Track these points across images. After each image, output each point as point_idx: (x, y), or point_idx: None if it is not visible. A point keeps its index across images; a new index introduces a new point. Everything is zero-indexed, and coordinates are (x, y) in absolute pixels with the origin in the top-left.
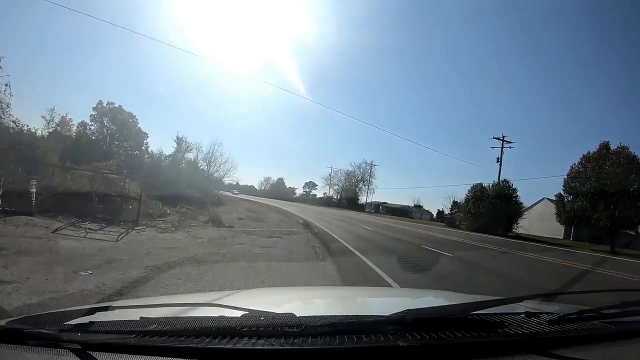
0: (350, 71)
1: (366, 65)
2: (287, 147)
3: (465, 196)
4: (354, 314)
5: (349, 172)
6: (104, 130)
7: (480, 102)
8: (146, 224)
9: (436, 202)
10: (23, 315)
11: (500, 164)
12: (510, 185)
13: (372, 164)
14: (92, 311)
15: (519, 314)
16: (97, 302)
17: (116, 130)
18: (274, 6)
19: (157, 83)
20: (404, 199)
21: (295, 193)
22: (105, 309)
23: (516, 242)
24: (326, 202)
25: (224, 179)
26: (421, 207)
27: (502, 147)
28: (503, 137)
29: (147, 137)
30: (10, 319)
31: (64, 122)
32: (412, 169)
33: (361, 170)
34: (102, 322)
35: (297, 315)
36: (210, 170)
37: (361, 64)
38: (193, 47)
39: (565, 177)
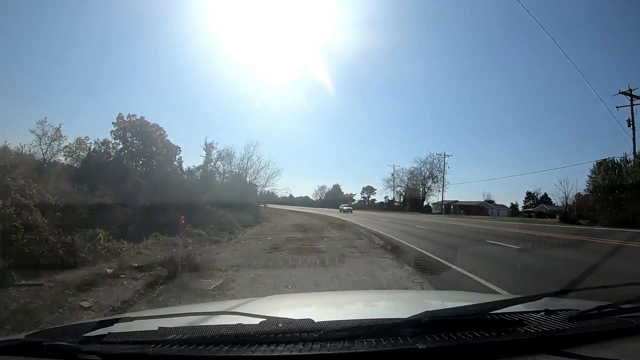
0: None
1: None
2: (341, 154)
3: (589, 179)
4: (372, 318)
5: (413, 169)
6: (129, 147)
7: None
8: None
9: (506, 196)
10: (42, 328)
11: (633, 127)
12: None
13: (444, 154)
14: (110, 322)
15: (538, 311)
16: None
17: (140, 145)
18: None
19: (195, 97)
20: (472, 195)
21: (354, 200)
22: (124, 320)
23: None
24: (388, 206)
25: (272, 189)
26: (493, 202)
27: (632, 105)
28: (631, 90)
29: (180, 151)
30: (29, 332)
31: (78, 141)
32: (479, 162)
33: (428, 166)
34: (120, 332)
35: (315, 321)
36: (248, 179)
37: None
38: (230, 59)
39: None
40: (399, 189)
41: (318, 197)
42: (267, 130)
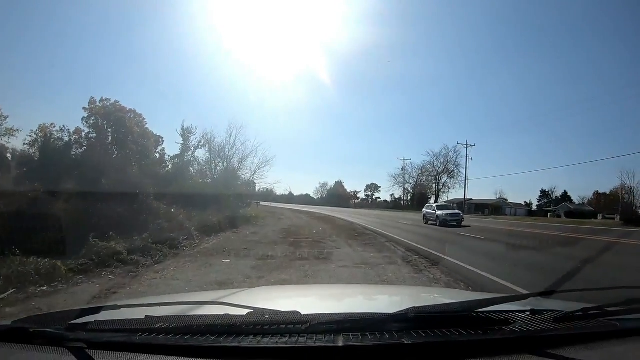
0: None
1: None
2: (344, 152)
3: None
4: (358, 312)
5: (425, 163)
6: (104, 136)
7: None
8: None
9: (516, 194)
10: (29, 315)
11: None
12: None
13: (466, 144)
14: (97, 310)
15: (524, 311)
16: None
17: (117, 134)
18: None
19: (192, 93)
20: (483, 193)
21: (358, 197)
22: (111, 308)
23: None
24: (394, 205)
25: (265, 185)
26: (506, 200)
27: None
28: None
29: (163, 142)
30: (16, 319)
31: (42, 128)
32: (487, 159)
33: (442, 159)
34: (107, 320)
35: (302, 313)
36: (229, 169)
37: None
38: (230, 54)
39: None
40: (407, 185)
41: (319, 195)
42: (266, 128)
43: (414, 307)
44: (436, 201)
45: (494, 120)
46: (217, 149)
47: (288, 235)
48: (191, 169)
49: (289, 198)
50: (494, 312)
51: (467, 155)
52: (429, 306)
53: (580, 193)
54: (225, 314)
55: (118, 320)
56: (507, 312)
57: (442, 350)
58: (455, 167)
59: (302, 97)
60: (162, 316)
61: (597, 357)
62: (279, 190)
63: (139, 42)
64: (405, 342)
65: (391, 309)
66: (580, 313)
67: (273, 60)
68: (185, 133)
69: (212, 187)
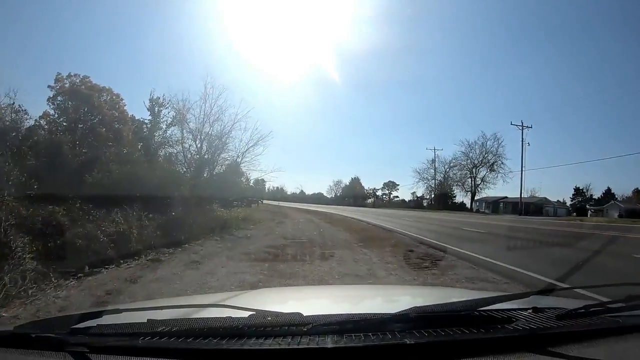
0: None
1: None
2: (358, 151)
3: None
4: (360, 312)
5: (457, 154)
6: (71, 120)
7: None
8: None
9: (548, 191)
10: (31, 320)
11: None
12: None
13: (522, 125)
14: (99, 314)
15: (526, 309)
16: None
17: (80, 115)
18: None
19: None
20: (513, 191)
21: (377, 195)
22: (113, 312)
23: None
24: (416, 204)
25: (249, 170)
26: (545, 198)
27: None
28: None
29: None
30: (18, 324)
31: None
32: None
33: (477, 151)
34: (109, 324)
35: (304, 315)
36: (205, 149)
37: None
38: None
39: None
40: (432, 182)
41: (333, 194)
42: (275, 127)
43: (416, 307)
44: (472, 199)
45: (505, 118)
46: (191, 121)
47: (271, 273)
48: (160, 153)
49: (301, 197)
50: (496, 310)
51: (522, 139)
52: (430, 305)
53: (616, 191)
54: (228, 317)
55: (120, 324)
56: (509, 310)
57: (444, 349)
58: (497, 157)
59: (312, 97)
60: (164, 319)
61: (600, 354)
62: (290, 189)
63: (140, 41)
64: (408, 342)
65: (393, 309)
66: (582, 310)
67: (282, 60)
68: (154, 106)
69: (177, 177)
